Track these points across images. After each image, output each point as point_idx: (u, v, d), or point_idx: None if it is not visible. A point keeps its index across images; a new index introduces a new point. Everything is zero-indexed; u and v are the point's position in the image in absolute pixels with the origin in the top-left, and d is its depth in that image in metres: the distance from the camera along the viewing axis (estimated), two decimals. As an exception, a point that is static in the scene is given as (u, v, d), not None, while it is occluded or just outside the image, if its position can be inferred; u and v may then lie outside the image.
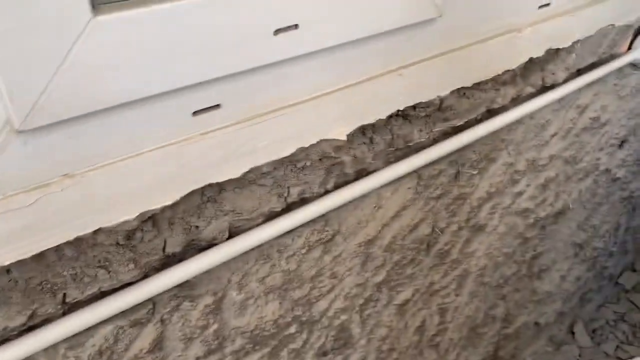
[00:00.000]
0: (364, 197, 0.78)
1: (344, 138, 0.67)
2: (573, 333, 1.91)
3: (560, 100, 1.03)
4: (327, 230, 0.75)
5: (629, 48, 1.17)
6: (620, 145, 1.42)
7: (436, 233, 0.95)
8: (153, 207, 0.54)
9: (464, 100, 0.83)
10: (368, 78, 0.68)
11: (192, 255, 0.61)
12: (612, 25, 1.01)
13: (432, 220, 0.93)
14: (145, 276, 0.57)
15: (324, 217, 0.73)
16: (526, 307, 1.55)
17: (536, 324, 1.69)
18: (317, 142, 0.65)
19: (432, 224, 0.94)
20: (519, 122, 0.97)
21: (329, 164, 0.69)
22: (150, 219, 0.56)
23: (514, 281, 1.38)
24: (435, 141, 0.83)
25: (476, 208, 1.02)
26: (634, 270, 2.13)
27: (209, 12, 0.48)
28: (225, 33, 0.50)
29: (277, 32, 0.53)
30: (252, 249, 0.66)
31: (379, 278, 0.90)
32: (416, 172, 0.83)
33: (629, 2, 1.01)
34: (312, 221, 0.72)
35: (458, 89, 0.80)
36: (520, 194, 1.11)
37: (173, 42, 0.47)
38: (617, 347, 1.87)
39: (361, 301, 0.89)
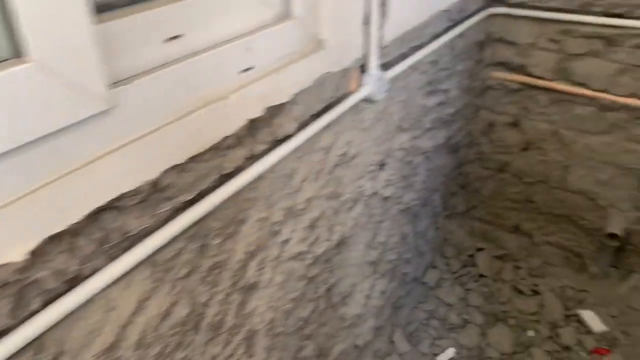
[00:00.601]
0: (87, 304, 0.70)
1: (23, 257, 0.59)
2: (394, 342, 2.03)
3: (300, 148, 1.07)
4: (44, 357, 0.66)
5: (359, 86, 1.28)
6: (381, 168, 1.55)
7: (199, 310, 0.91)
8: None
9: (185, 175, 0.81)
10: (44, 184, 0.61)
11: None
12: (329, 72, 1.09)
13: (188, 299, 0.89)
14: None
15: (35, 343, 0.64)
16: (339, 336, 1.60)
17: (355, 346, 1.76)
18: (-12, 272, 0.57)
19: (190, 303, 0.89)
20: (260, 178, 0.98)
21: (16, 288, 0.60)
22: None
23: (316, 317, 1.40)
24: (164, 222, 0.80)
25: (240, 270, 1.00)
26: (435, 267, 2.36)
27: None
28: None
29: None
30: None
31: (140, 377, 0.82)
32: (149, 260, 0.79)
33: (336, 52, 1.10)
34: (18, 353, 0.62)
35: (172, 166, 0.78)
36: (286, 241, 1.13)
37: None
38: (431, 343, 2.03)
39: (124, 409, 0.80)
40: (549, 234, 2.34)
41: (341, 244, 1.42)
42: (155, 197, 0.77)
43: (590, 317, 2.06)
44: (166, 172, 0.77)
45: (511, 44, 2.03)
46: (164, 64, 0.75)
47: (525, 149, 2.21)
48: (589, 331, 2.02)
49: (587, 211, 2.18)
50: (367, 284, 1.71)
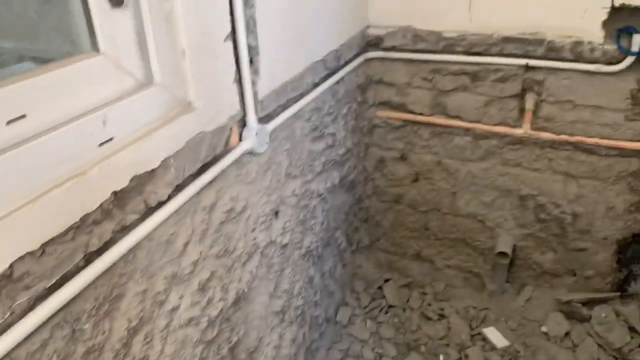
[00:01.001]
0: None
1: None
2: (311, 387, 2.00)
3: (179, 211, 1.05)
4: None
5: (239, 141, 1.28)
6: (275, 217, 1.56)
7: None
8: None
9: (45, 259, 0.76)
10: None
11: None
12: (202, 132, 1.09)
13: (62, 391, 0.82)
14: None
15: None
16: (249, 394, 1.55)
17: (270, 400, 1.71)
18: None
19: (65, 394, 0.83)
20: (136, 248, 0.95)
21: None
22: None
23: (221, 380, 1.35)
24: (24, 314, 0.74)
25: (124, 348, 0.95)
26: (346, 304, 2.38)
27: None
28: None
29: None
30: None
31: None
32: (8, 357, 0.72)
33: (208, 112, 1.10)
34: None
35: (27, 253, 0.73)
36: (175, 309, 1.09)
37: None
38: (348, 383, 2.02)
39: None
40: (448, 257, 2.45)
41: (240, 300, 1.39)
42: (10, 289, 0.72)
43: (493, 334, 2.17)
44: (20, 260, 0.72)
45: (390, 84, 2.16)
46: (7, 147, 0.71)
47: (415, 180, 2.32)
48: (493, 347, 2.12)
49: (478, 233, 2.33)
50: (276, 334, 1.69)
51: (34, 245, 0.74)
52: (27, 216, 0.72)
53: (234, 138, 1.26)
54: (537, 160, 2.07)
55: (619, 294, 2.18)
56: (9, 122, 0.72)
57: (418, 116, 2.16)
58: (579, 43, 1.81)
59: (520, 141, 2.06)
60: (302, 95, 1.58)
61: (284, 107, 1.48)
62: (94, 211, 0.83)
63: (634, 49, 1.73)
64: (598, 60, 1.81)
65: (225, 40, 1.12)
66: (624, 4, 1.70)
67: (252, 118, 1.28)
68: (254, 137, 1.29)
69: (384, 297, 2.42)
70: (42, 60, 0.90)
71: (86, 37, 0.89)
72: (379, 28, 2.06)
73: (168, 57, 0.98)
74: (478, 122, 2.09)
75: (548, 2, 1.80)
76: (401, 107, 2.19)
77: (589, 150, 1.97)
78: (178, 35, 0.99)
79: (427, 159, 2.25)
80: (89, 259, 0.84)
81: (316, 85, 1.69)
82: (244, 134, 1.29)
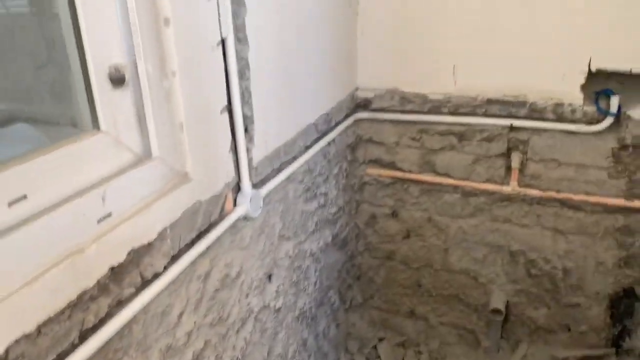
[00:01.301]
0: None
1: None
2: None
3: (175, 281, 1.05)
4: None
5: (234, 207, 1.30)
6: (269, 279, 1.55)
7: None
8: None
9: (41, 340, 0.75)
10: None
11: None
12: (198, 201, 1.11)
13: None
14: None
15: None
16: None
17: None
18: None
19: None
20: (132, 322, 0.94)
21: None
22: None
23: None
24: (16, 399, 0.72)
25: None
26: (340, 365, 2.33)
27: None
28: None
29: None
30: None
31: None
32: None
33: (204, 181, 1.12)
34: None
35: (23, 336, 0.72)
36: (169, 382, 1.07)
37: None
38: None
39: None
40: (442, 314, 2.43)
41: (233, 367, 1.37)
42: (2, 374, 0.71)
43: (490, 394, 2.13)
44: (16, 342, 0.71)
45: (379, 143, 2.21)
46: (8, 229, 0.72)
47: (407, 237, 2.34)
48: (491, 408, 2.08)
49: (471, 289, 2.32)
50: (269, 401, 1.65)
51: (30, 326, 0.73)
52: (25, 297, 0.72)
53: (229, 204, 1.27)
54: (526, 216, 2.11)
55: (614, 349, 2.17)
56: (10, 204, 0.73)
57: (407, 174, 2.20)
58: (560, 105, 1.89)
59: (508, 198, 2.10)
60: (294, 159, 1.61)
61: (278, 170, 1.51)
62: (91, 288, 0.83)
63: (612, 110, 1.81)
64: (579, 120, 1.88)
65: (221, 112, 1.16)
66: (599, 69, 1.79)
67: (246, 184, 1.30)
68: (248, 203, 1.31)
69: (378, 357, 2.38)
70: (36, 121, 0.92)
71: (87, 110, 0.91)
72: (367, 91, 2.13)
73: (166, 131, 1.01)
74: (466, 179, 2.13)
75: (528, 67, 1.89)
76: (391, 165, 2.24)
77: (576, 206, 2.01)
78: (176, 110, 1.02)
79: (417, 215, 2.27)
80: (84, 336, 0.83)
81: (308, 147, 1.72)
82: (238, 199, 1.30)
